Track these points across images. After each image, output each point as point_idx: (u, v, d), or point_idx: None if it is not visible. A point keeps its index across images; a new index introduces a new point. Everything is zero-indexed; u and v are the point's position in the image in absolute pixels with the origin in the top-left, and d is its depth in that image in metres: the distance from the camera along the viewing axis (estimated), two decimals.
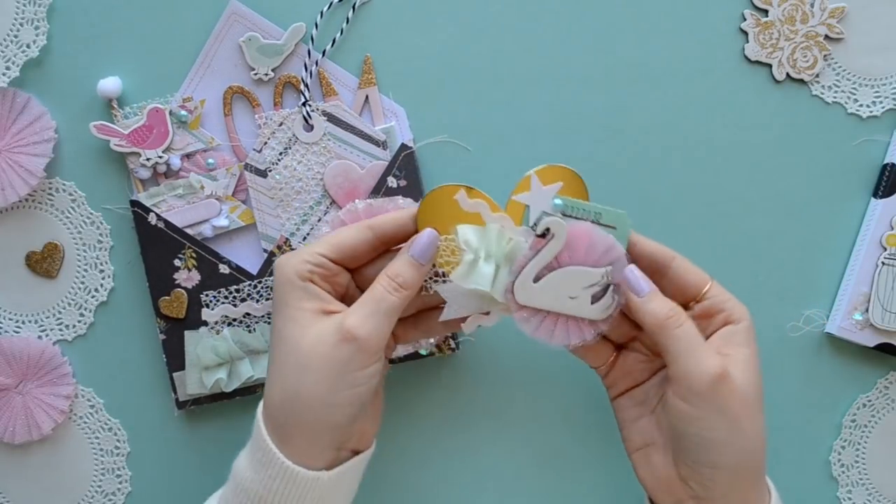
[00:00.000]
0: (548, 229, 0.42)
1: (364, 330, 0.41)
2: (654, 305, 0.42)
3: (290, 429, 0.42)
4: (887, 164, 0.53)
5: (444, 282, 0.44)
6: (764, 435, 0.42)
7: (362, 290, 0.45)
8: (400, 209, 0.51)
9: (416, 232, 0.44)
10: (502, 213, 0.43)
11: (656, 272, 0.44)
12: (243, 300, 0.53)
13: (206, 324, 0.53)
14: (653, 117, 0.54)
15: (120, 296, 0.55)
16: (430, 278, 0.45)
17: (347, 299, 0.45)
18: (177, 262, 0.53)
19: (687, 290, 0.44)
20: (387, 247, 0.45)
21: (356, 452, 0.45)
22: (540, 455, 0.55)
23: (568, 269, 0.42)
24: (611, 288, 0.43)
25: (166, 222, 0.53)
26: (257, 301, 0.53)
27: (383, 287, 0.42)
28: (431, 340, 0.53)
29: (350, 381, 0.41)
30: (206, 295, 0.53)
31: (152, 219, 0.53)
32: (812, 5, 0.53)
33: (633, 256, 0.44)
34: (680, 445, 0.43)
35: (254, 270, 0.53)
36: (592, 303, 0.43)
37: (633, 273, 0.43)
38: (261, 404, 0.44)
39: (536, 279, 0.42)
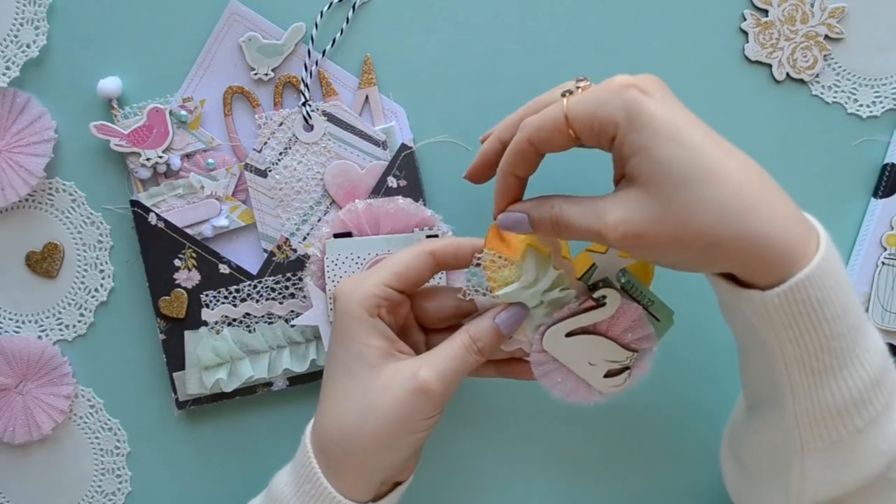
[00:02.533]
0: (604, 297, 0.42)
1: (439, 386, 0.41)
2: (539, 233, 0.40)
3: (345, 465, 0.42)
4: (887, 164, 0.53)
5: (484, 294, 0.44)
6: (721, 212, 0.35)
7: (417, 319, 0.46)
8: (401, 209, 0.51)
9: (481, 249, 0.43)
10: (570, 259, 0.44)
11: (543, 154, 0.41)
12: (243, 300, 0.53)
13: (206, 324, 0.53)
14: None
15: (120, 296, 0.55)
16: (474, 288, 0.45)
17: (403, 328, 0.46)
18: (177, 262, 0.53)
19: (566, 145, 0.39)
20: (441, 270, 0.45)
21: (397, 484, 0.46)
22: (540, 455, 0.55)
23: (601, 339, 0.43)
24: (627, 371, 0.44)
25: (166, 222, 0.53)
26: (257, 301, 0.53)
27: (465, 347, 0.42)
28: None
29: (413, 428, 0.42)
30: (206, 295, 0.53)
31: (152, 219, 0.53)
32: (812, 5, 0.53)
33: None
34: None
35: (254, 270, 0.53)
36: (605, 376, 0.44)
37: (508, 222, 0.41)
38: (308, 429, 0.44)
39: (569, 334, 0.43)
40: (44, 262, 0.55)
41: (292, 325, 0.53)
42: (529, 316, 0.43)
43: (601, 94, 0.37)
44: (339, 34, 0.53)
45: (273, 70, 0.53)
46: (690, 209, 0.36)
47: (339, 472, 0.42)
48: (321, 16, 0.53)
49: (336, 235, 0.51)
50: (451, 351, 0.42)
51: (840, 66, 0.54)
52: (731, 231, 0.36)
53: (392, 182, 0.53)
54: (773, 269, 0.37)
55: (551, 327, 0.43)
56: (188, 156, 0.53)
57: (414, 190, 0.53)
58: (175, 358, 0.53)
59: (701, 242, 0.36)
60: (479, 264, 0.43)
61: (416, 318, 0.46)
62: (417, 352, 0.45)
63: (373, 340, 0.42)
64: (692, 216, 0.36)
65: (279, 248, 0.53)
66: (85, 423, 0.56)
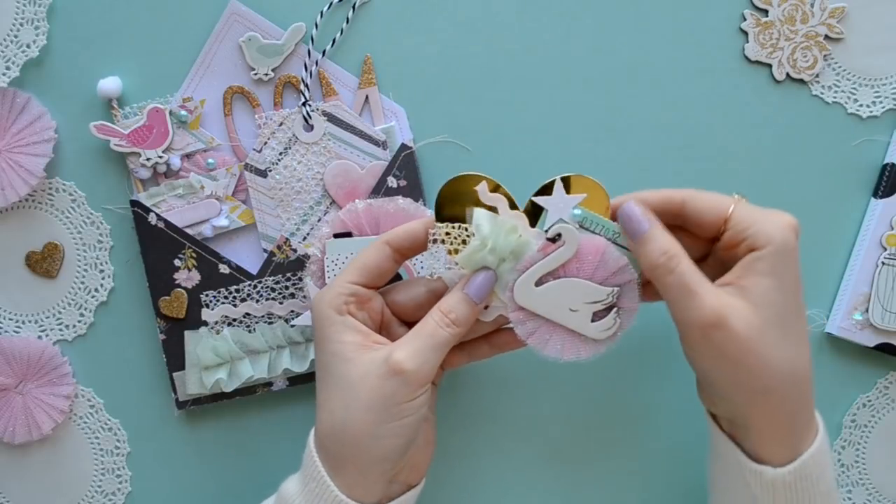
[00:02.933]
0: (559, 235, 0.41)
1: (412, 364, 0.41)
2: (646, 249, 0.41)
3: (341, 460, 0.42)
4: (887, 164, 0.53)
5: (450, 268, 0.44)
6: (790, 369, 0.40)
7: (396, 316, 0.46)
8: (401, 210, 0.51)
9: (433, 226, 0.43)
10: (519, 212, 0.43)
11: (676, 217, 0.43)
12: (243, 300, 0.53)
13: (206, 324, 0.53)
14: (653, 117, 0.54)
15: (120, 296, 0.55)
16: (441, 267, 0.44)
17: (384, 327, 0.46)
18: (177, 262, 0.53)
19: (710, 226, 0.42)
20: (405, 258, 0.45)
21: (409, 486, 0.46)
22: (540, 455, 0.55)
23: (572, 280, 0.42)
24: (615, 310, 0.42)
25: (166, 222, 0.53)
26: (257, 301, 0.53)
27: (435, 322, 0.42)
28: None
29: (396, 412, 0.41)
30: (206, 295, 0.53)
31: (152, 219, 0.53)
32: (812, 5, 0.53)
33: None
34: (696, 373, 0.44)
35: (254, 270, 0.53)
36: (593, 320, 0.42)
37: (632, 212, 0.42)
38: (311, 434, 0.44)
39: (539, 283, 0.42)
40: (44, 262, 0.55)
41: (292, 325, 0.53)
42: (498, 277, 0.42)
43: (770, 214, 0.42)
44: (339, 34, 0.53)
45: (273, 70, 0.53)
46: (777, 348, 0.40)
47: (338, 468, 0.42)
48: (321, 16, 0.53)
49: (336, 235, 0.51)
50: (423, 329, 0.42)
51: (840, 66, 0.54)
52: (787, 388, 0.40)
53: (392, 182, 0.53)
54: (791, 440, 0.41)
55: (518, 279, 0.42)
56: (188, 156, 0.53)
57: (414, 190, 0.53)
58: (175, 358, 0.53)
59: (762, 378, 0.40)
60: (435, 240, 0.43)
61: (397, 314, 0.46)
62: None
63: (345, 337, 0.42)
64: (772, 353, 0.39)
65: (279, 248, 0.53)
66: (85, 423, 0.56)
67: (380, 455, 0.42)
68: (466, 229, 0.42)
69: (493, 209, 0.42)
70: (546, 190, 0.43)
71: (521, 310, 0.43)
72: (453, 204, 0.43)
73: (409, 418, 0.42)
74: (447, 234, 0.43)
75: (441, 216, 0.43)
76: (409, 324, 0.46)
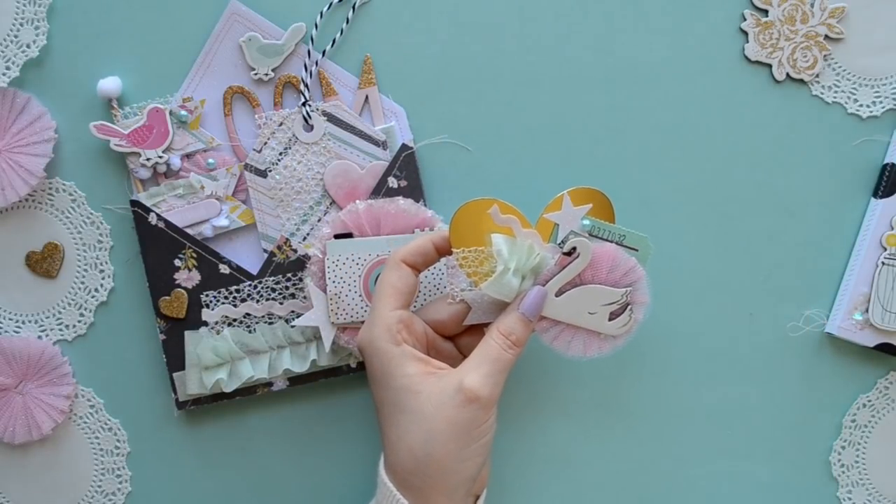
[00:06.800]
0: (574, 248, 0.44)
1: (485, 390, 0.42)
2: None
3: (427, 490, 0.43)
4: (887, 164, 0.53)
5: (470, 290, 0.46)
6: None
7: (436, 332, 0.47)
8: (401, 210, 0.51)
9: (449, 247, 0.45)
10: (532, 229, 0.45)
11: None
12: (243, 300, 0.53)
13: (206, 324, 0.53)
14: (653, 117, 0.54)
15: (120, 296, 0.55)
16: (460, 288, 0.46)
17: (430, 346, 0.47)
18: (177, 262, 0.53)
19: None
20: (420, 272, 0.47)
21: (477, 497, 0.47)
22: (540, 454, 0.55)
23: (589, 287, 0.44)
24: (629, 307, 0.45)
25: (166, 222, 0.53)
26: (257, 301, 0.53)
27: (498, 345, 0.43)
28: None
29: (476, 435, 0.42)
30: (207, 295, 0.53)
31: (152, 219, 0.53)
32: (812, 5, 0.53)
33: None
34: None
35: (254, 270, 0.53)
36: (610, 319, 0.45)
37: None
38: (381, 468, 0.45)
39: (558, 293, 0.44)
40: (44, 262, 0.55)
41: (292, 326, 0.53)
42: (520, 292, 0.45)
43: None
44: (339, 34, 0.53)
45: (273, 70, 0.53)
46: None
47: (426, 499, 0.43)
48: (321, 16, 0.53)
49: (337, 236, 0.51)
50: (487, 353, 0.43)
51: (840, 66, 0.54)
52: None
53: (392, 182, 0.53)
54: None
55: None
56: (188, 156, 0.53)
57: (414, 190, 0.53)
58: (175, 358, 0.53)
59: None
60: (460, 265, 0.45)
61: (437, 330, 0.47)
62: (453, 360, 0.46)
63: (409, 369, 0.43)
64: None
65: (279, 248, 0.53)
66: (85, 423, 0.56)
67: (466, 477, 0.43)
68: (482, 252, 0.44)
69: (507, 230, 0.44)
70: (554, 206, 0.45)
71: (544, 319, 0.45)
72: (467, 229, 0.44)
73: (487, 436, 0.43)
74: (464, 258, 0.45)
75: (456, 242, 0.45)
76: (450, 337, 0.48)
